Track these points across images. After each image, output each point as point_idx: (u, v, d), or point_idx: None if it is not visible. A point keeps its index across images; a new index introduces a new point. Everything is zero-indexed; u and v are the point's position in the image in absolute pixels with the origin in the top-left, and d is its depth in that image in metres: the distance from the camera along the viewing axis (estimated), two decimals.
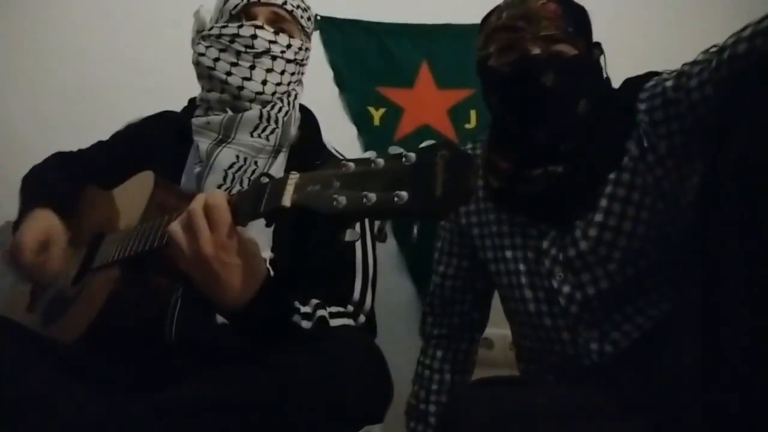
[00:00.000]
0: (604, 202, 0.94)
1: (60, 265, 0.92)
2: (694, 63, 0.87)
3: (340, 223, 0.58)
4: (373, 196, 0.53)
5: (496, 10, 1.01)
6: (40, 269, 0.90)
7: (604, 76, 1.01)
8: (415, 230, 0.56)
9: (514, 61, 0.95)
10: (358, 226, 0.59)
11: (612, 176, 0.94)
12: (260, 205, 0.64)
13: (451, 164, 0.51)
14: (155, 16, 1.67)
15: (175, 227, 0.69)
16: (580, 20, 0.99)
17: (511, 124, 0.99)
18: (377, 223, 0.58)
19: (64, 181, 1.06)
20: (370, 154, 0.57)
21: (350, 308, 0.95)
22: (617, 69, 1.01)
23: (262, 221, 0.66)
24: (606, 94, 1.00)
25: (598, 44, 1.00)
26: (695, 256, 0.78)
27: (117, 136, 1.19)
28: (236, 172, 1.00)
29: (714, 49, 0.83)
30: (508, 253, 1.04)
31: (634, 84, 0.97)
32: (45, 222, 0.93)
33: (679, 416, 0.75)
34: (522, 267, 1.02)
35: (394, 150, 0.56)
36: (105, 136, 1.20)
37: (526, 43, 0.94)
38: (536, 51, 0.94)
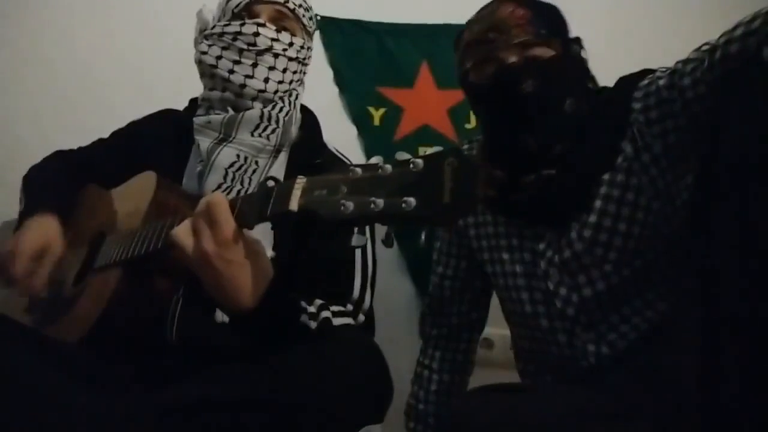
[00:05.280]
0: (598, 203, 0.93)
1: (45, 282, 0.90)
2: (686, 61, 0.86)
3: (347, 228, 0.58)
4: (380, 201, 0.54)
5: (467, 27, 1.01)
6: (28, 281, 0.89)
7: (589, 71, 1.00)
8: (423, 236, 0.56)
9: (492, 73, 0.95)
10: (366, 231, 0.60)
11: (606, 177, 0.93)
12: (267, 209, 0.64)
13: (459, 172, 0.52)
14: (155, 16, 1.67)
15: (178, 230, 0.69)
16: (552, 20, 0.98)
17: (500, 133, 0.99)
18: (384, 229, 0.58)
19: (64, 183, 1.06)
20: (377, 160, 0.58)
21: (350, 307, 0.95)
22: (617, 69, 1.00)
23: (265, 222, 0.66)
24: (594, 88, 0.99)
25: (577, 39, 1.00)
26: (691, 255, 0.78)
27: (118, 134, 1.19)
28: (236, 171, 1.00)
29: (706, 48, 0.83)
30: (505, 255, 1.04)
31: (628, 82, 0.96)
32: (44, 231, 0.93)
33: (678, 419, 0.75)
34: (518, 269, 1.02)
35: (402, 156, 0.56)
36: (105, 137, 1.20)
37: (500, 53, 0.94)
38: (512, 59, 0.94)
